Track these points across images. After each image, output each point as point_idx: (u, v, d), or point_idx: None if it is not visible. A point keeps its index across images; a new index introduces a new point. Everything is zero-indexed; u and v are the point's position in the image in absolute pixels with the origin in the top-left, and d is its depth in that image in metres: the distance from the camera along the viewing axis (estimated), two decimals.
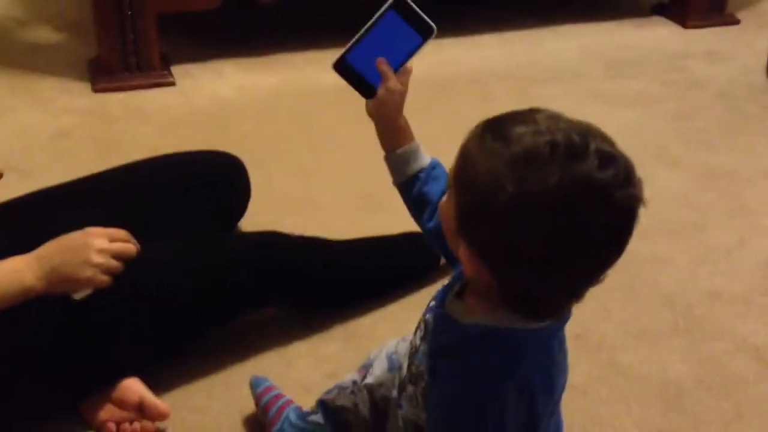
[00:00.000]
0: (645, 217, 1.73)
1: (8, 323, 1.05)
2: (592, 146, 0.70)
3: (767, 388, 1.23)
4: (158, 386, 1.16)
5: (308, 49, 2.26)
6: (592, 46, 2.40)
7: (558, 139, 0.70)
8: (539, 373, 0.78)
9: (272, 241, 1.30)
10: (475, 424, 0.76)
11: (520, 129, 0.72)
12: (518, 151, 0.70)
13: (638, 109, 2.06)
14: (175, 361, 1.22)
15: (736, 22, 2.50)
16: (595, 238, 0.71)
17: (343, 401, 1.05)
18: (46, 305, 1.07)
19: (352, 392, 1.05)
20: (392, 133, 1.00)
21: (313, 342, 1.30)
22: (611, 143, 0.73)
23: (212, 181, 1.36)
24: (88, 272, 1.06)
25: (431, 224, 0.95)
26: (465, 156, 0.76)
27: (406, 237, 1.43)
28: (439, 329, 0.84)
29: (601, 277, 0.75)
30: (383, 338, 1.29)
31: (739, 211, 1.64)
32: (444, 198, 0.80)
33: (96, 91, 2.01)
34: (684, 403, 1.20)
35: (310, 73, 2.16)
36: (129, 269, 1.11)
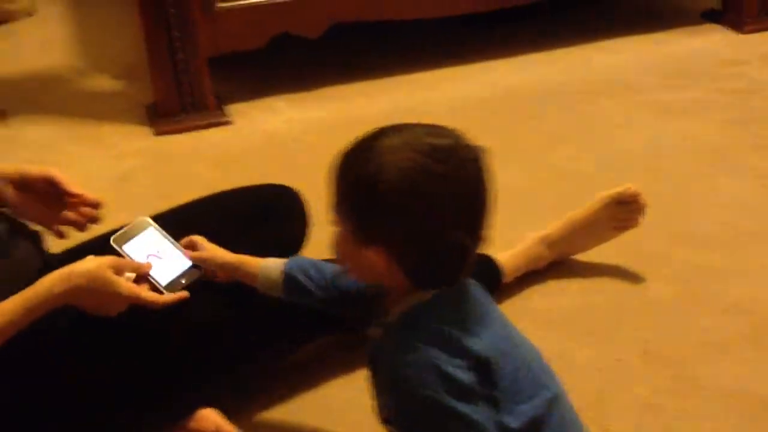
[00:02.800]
0: (707, 225, 1.71)
1: (80, 356, 1.09)
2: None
3: None
4: (232, 415, 1.18)
5: (356, 81, 2.29)
6: (643, 58, 2.37)
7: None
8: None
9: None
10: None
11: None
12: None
13: (694, 117, 2.03)
14: (251, 388, 1.25)
15: None
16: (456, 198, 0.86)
17: None
18: (118, 339, 1.11)
19: None
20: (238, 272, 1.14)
21: None
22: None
23: (271, 214, 1.39)
24: (114, 313, 1.08)
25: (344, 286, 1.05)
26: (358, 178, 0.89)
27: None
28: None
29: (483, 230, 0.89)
30: None
31: None
32: (336, 238, 0.93)
33: (155, 134, 2.08)
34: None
35: (360, 104, 2.19)
36: (205, 299, 1.14)
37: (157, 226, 1.17)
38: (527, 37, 2.51)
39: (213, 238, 1.34)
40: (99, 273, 1.05)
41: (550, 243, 1.47)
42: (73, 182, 1.18)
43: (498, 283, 1.42)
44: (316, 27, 2.21)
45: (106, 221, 1.25)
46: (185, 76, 2.05)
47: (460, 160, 0.87)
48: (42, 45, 2.67)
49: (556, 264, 1.49)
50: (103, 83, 2.40)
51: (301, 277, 1.09)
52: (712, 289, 1.42)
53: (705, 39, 2.46)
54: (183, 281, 1.13)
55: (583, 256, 1.51)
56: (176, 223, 1.36)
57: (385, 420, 0.95)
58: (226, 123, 2.11)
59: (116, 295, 1.06)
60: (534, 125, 2.06)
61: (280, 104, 2.21)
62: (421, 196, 0.85)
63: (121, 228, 1.18)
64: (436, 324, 0.87)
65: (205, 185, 1.68)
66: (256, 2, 2.13)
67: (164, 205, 1.42)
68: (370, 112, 2.14)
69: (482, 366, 0.86)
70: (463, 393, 0.84)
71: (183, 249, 1.16)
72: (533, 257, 1.46)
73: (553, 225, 1.48)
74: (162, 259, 1.14)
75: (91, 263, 1.06)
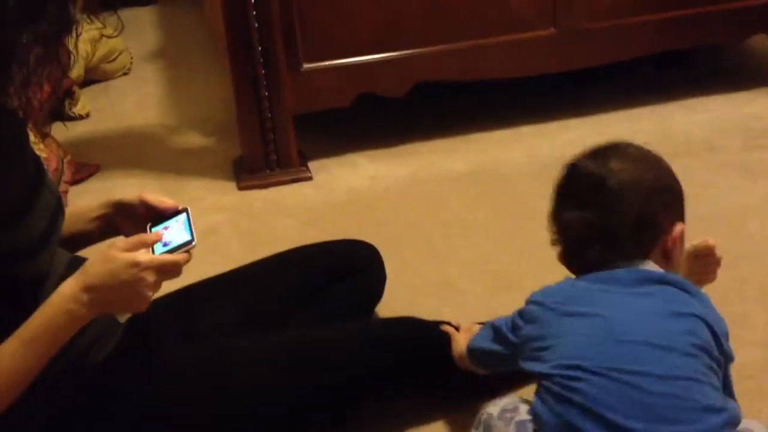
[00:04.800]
0: None
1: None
2: None
3: None
4: None
5: (435, 138, 2.34)
6: (726, 118, 2.35)
7: None
8: None
9: (413, 324, 1.35)
10: None
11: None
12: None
13: None
14: None
15: None
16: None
17: None
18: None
19: None
20: None
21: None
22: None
23: (350, 269, 1.43)
24: (142, 306, 1.04)
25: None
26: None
27: None
28: None
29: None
30: None
31: None
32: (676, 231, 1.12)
33: (241, 188, 2.16)
34: None
35: (438, 161, 2.23)
36: (290, 350, 1.19)
37: (189, 215, 1.13)
38: (604, 95, 2.52)
39: (295, 294, 1.39)
40: (110, 253, 1.02)
41: None
42: (165, 200, 1.17)
43: None
44: (400, 87, 2.27)
45: (192, 274, 1.29)
46: (271, 133, 2.14)
47: None
48: (137, 103, 2.81)
49: None
50: (194, 140, 2.51)
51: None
52: None
53: None
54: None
55: None
56: (259, 277, 1.42)
57: None
58: (308, 179, 2.18)
59: (135, 264, 1.01)
60: None
61: (362, 161, 2.27)
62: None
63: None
64: None
65: (288, 239, 1.75)
66: (342, 63, 2.20)
67: (248, 259, 1.48)
68: (448, 169, 2.18)
69: None
70: None
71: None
72: None
73: None
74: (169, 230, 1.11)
75: (99, 253, 1.04)
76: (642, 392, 0.97)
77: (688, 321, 1.03)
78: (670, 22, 2.35)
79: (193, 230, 1.09)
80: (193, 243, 1.07)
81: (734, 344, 1.41)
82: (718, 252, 1.42)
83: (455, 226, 1.92)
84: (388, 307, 1.52)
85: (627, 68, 2.54)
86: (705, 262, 1.43)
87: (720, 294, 1.45)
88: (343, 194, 2.11)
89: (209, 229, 1.99)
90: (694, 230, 1.79)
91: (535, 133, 2.37)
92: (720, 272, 1.47)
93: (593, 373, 0.99)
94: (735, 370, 1.36)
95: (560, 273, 1.67)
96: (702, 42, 2.48)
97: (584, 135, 2.33)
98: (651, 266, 1.09)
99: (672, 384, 0.98)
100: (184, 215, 1.13)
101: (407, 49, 2.23)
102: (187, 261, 1.06)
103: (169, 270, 1.04)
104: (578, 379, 0.99)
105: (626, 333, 1.02)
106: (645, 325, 1.03)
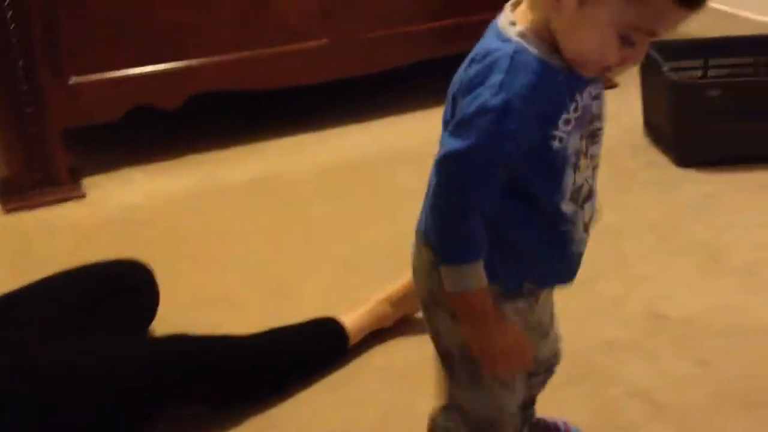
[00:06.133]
0: None
1: None
2: None
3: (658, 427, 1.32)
4: None
5: (215, 149, 2.35)
6: None
7: None
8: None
9: (184, 343, 1.36)
10: None
11: None
12: None
13: None
14: None
15: (615, 85, 2.69)
16: None
17: None
18: None
19: None
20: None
21: None
22: None
23: (120, 290, 1.42)
24: None
25: None
26: None
27: (314, 323, 1.50)
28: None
29: None
30: (298, 424, 1.35)
31: (624, 263, 1.76)
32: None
33: (7, 211, 2.05)
34: None
35: (219, 172, 2.24)
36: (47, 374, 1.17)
37: None
38: (385, 101, 2.64)
39: (64, 315, 1.36)
40: None
41: (394, 302, 1.55)
42: None
43: (345, 346, 1.49)
44: (176, 99, 2.25)
45: None
46: (37, 150, 2.05)
47: None
48: None
49: (401, 320, 1.57)
50: None
51: None
52: None
53: None
54: None
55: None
56: (28, 301, 1.38)
57: None
58: (81, 197, 2.11)
59: None
60: (389, 187, 2.17)
61: (139, 175, 2.23)
62: None
63: None
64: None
65: (59, 262, 1.69)
66: (113, 76, 2.15)
67: (17, 284, 1.43)
68: (228, 179, 2.20)
69: None
70: None
71: None
72: (379, 316, 1.54)
73: (395, 284, 1.56)
74: None
75: None
76: None
77: None
78: (441, 30, 2.50)
79: None
80: None
81: None
82: None
83: (235, 237, 1.94)
84: (168, 324, 1.52)
85: (402, 75, 2.68)
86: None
87: None
88: (119, 211, 2.07)
89: None
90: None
91: (316, 141, 2.44)
92: None
93: None
94: None
95: (339, 281, 1.76)
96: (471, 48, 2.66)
97: (363, 141, 2.44)
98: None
99: None
100: None
101: (181, 60, 2.22)
102: None
103: None
104: None
105: None
106: None
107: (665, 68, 2.18)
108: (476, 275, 0.91)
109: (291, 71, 2.38)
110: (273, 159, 2.33)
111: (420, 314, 1.57)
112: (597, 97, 0.94)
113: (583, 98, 0.90)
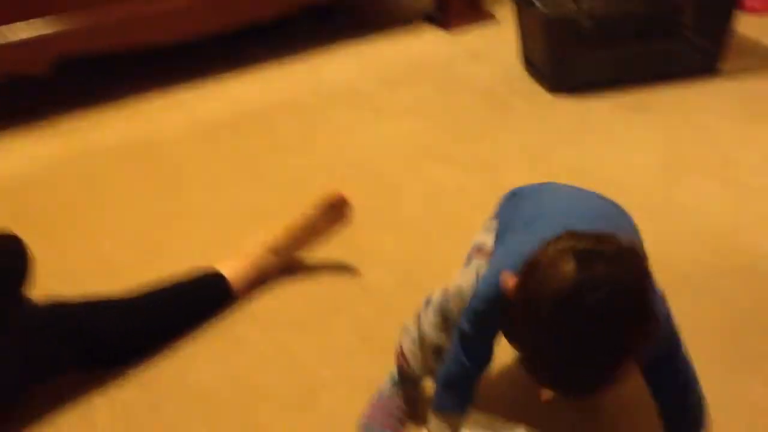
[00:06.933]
0: (415, 212, 1.87)
1: None
2: None
3: None
4: None
5: (87, 113, 2.28)
6: (369, 63, 2.54)
7: None
8: None
9: (63, 308, 1.33)
10: None
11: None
12: None
13: (413, 116, 2.21)
14: None
15: (492, 16, 2.72)
16: None
17: None
18: None
19: None
20: None
21: (110, 393, 1.33)
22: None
23: None
24: None
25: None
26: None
27: (196, 278, 1.49)
28: None
29: None
30: (179, 378, 1.35)
31: (501, 193, 1.79)
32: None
33: None
34: None
35: (90, 136, 2.18)
36: None
37: None
38: (260, 50, 2.61)
39: None
40: None
41: (276, 250, 1.55)
42: None
43: (228, 298, 1.49)
44: (40, 64, 2.17)
45: None
46: None
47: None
48: None
49: (284, 269, 1.58)
50: None
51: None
52: (420, 271, 1.57)
53: (422, 40, 2.67)
54: None
55: (304, 255, 1.61)
56: None
57: None
58: None
59: None
60: (269, 139, 2.15)
61: (11, 143, 2.16)
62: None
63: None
64: None
65: None
66: None
67: None
68: (105, 141, 2.15)
69: None
70: None
71: None
72: (262, 267, 1.54)
73: (275, 232, 1.56)
74: None
75: None
76: None
77: None
78: None
79: None
80: None
81: (367, 269, 1.59)
82: (347, 193, 1.57)
83: (111, 200, 1.90)
84: (44, 291, 1.48)
85: (279, 24, 2.65)
86: (339, 208, 1.57)
87: (354, 226, 1.61)
88: None
89: None
90: (342, 177, 1.95)
91: (194, 97, 2.39)
92: (359, 204, 1.63)
93: None
94: (370, 292, 1.52)
95: (218, 239, 1.74)
96: None
97: (244, 92, 2.40)
98: None
99: None
100: None
101: (42, 25, 2.14)
102: None
103: None
104: None
105: None
106: None
107: (538, 3, 2.21)
108: None
109: (156, 30, 2.31)
110: (149, 118, 2.27)
111: (298, 256, 1.59)
112: None
113: None
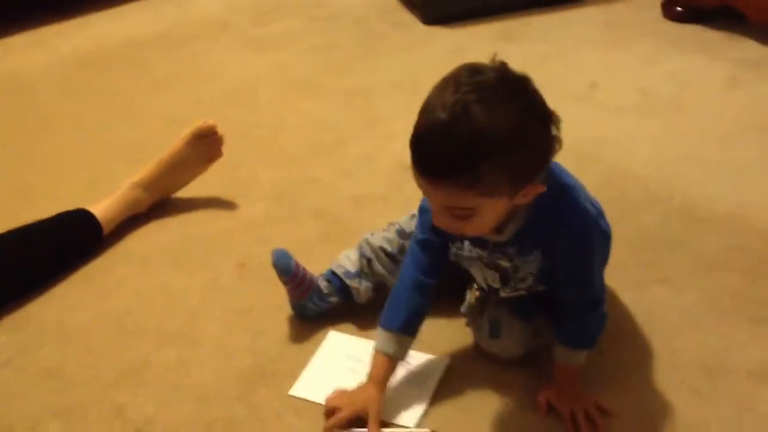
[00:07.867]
0: (290, 144, 1.87)
1: None
2: None
3: None
4: None
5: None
6: None
7: None
8: None
9: None
10: None
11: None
12: None
13: (285, 48, 2.19)
14: None
15: None
16: None
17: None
18: None
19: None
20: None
21: None
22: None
23: None
24: None
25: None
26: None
27: (64, 216, 1.45)
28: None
29: None
30: (54, 319, 1.32)
31: (375, 123, 1.82)
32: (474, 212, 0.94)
33: None
34: None
35: None
36: None
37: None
38: None
39: None
40: None
41: (146, 186, 1.52)
42: None
43: (100, 236, 1.45)
44: None
45: None
46: None
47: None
48: None
49: (157, 205, 1.55)
50: None
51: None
52: (298, 200, 1.58)
53: None
54: None
55: (182, 192, 1.59)
56: None
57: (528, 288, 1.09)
58: None
59: None
60: (138, 76, 2.08)
61: None
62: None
63: None
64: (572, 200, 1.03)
65: None
66: None
67: None
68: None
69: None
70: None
71: None
72: (131, 202, 1.50)
73: (144, 168, 1.53)
74: None
75: None
76: None
77: None
78: None
79: None
80: None
81: (245, 201, 1.58)
82: (221, 129, 1.54)
83: None
84: None
85: None
86: (210, 141, 1.55)
87: (232, 160, 1.60)
88: None
89: None
90: (215, 112, 1.91)
91: (56, 33, 2.29)
92: (234, 140, 1.61)
93: None
94: (247, 225, 1.51)
95: (89, 178, 1.69)
96: None
97: (110, 28, 2.31)
98: None
99: None
100: None
101: None
102: None
103: None
104: None
105: None
106: None
107: None
108: None
109: None
110: (8, 57, 2.16)
111: (177, 194, 1.57)
112: (490, 251, 1.07)
113: (464, 245, 1.09)
